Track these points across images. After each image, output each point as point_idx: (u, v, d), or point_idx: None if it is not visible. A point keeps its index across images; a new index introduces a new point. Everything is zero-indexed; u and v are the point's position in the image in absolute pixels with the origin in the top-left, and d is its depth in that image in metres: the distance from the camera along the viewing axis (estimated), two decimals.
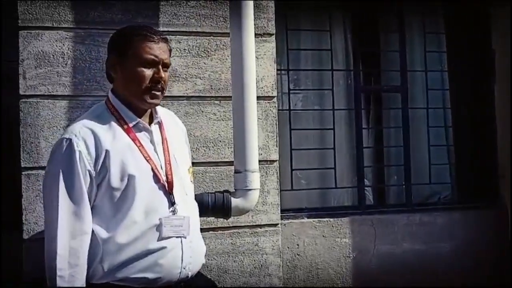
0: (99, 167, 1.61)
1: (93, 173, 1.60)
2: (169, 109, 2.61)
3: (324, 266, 3.25)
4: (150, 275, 1.62)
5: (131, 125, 1.69)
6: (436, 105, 3.70)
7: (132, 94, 1.68)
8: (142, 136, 1.71)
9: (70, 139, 1.60)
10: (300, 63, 3.51)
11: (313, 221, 3.27)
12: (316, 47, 3.53)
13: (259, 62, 2.79)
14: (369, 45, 3.65)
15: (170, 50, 1.74)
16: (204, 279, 1.88)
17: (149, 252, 1.62)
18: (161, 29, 2.66)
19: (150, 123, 1.74)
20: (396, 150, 3.63)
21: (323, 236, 3.28)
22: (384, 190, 3.65)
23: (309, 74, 3.52)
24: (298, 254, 3.22)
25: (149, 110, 1.74)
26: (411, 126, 3.57)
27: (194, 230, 1.74)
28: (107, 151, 1.61)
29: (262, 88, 2.84)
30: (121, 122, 1.69)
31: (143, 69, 1.65)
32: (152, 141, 1.72)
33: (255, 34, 2.61)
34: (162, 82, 1.68)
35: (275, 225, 2.90)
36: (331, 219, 3.30)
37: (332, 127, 3.47)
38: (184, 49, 2.77)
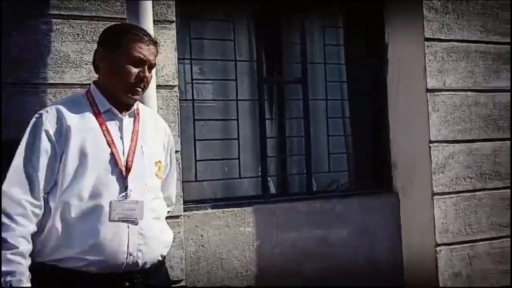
0: (61, 143, 1.68)
1: (57, 148, 1.67)
2: (60, 97, 2.47)
3: (228, 255, 3.26)
4: (91, 257, 1.62)
5: (102, 110, 1.79)
6: (335, 97, 3.85)
7: (116, 88, 1.79)
8: (111, 123, 1.79)
9: (41, 114, 1.73)
10: (203, 53, 3.48)
11: (217, 211, 3.27)
12: (219, 37, 3.51)
13: (159, 49, 2.70)
14: (272, 37, 3.70)
15: (157, 53, 1.89)
16: (162, 276, 1.86)
17: (93, 233, 1.63)
18: (52, 12, 2.51)
19: (121, 112, 1.81)
20: (298, 140, 3.73)
21: (227, 226, 3.29)
22: (286, 179, 3.74)
23: (213, 64, 3.49)
24: (202, 245, 3.19)
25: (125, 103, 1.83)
26: (311, 117, 3.68)
27: (151, 219, 1.76)
28: (68, 127, 1.70)
29: (163, 76, 2.78)
30: (94, 107, 1.79)
31: (131, 66, 1.77)
32: (120, 129, 1.80)
33: (154, 21, 2.53)
34: (145, 81, 1.82)
35: (177, 217, 2.85)
36: (235, 209, 3.32)
37: (236, 118, 3.49)
38: (78, 34, 2.62)
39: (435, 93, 3.48)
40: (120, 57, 1.77)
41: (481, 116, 3.61)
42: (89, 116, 1.76)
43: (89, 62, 2.61)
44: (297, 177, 3.75)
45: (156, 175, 1.85)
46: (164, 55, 2.79)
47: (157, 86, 2.53)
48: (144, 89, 1.83)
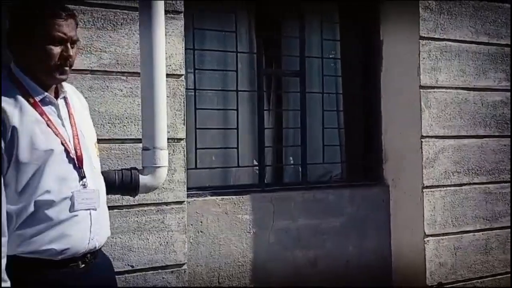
0: (7, 142, 1.58)
1: (3, 148, 1.57)
2: (72, 83, 2.51)
3: (226, 242, 3.35)
4: (57, 246, 1.63)
5: (37, 99, 1.67)
6: (330, 90, 3.96)
7: (39, 70, 1.67)
8: (49, 110, 1.69)
9: None
10: (205, 43, 3.54)
11: (216, 198, 3.35)
12: (221, 29, 3.57)
13: (167, 39, 2.75)
14: (271, 30, 3.78)
15: (77, 25, 1.74)
16: (102, 255, 1.90)
17: (59, 223, 1.64)
18: None
19: (56, 98, 1.73)
20: (294, 132, 3.84)
21: (226, 213, 3.38)
22: (282, 169, 3.84)
23: (215, 54, 3.56)
24: (201, 231, 3.28)
25: (54, 85, 1.74)
26: (307, 109, 3.79)
27: (103, 203, 1.80)
28: (14, 127, 1.59)
29: (170, 66, 2.83)
30: (27, 96, 1.65)
31: (52, 46, 1.64)
32: (59, 116, 1.72)
33: (164, 11, 2.58)
34: (70, 59, 1.69)
35: (181, 202, 2.93)
36: (234, 197, 3.41)
37: (236, 108, 3.57)
38: (89, 21, 2.66)
39: (428, 90, 3.61)
40: (38, 38, 1.63)
41: (470, 113, 3.76)
42: (27, 107, 1.63)
43: (100, 49, 2.68)
44: (293, 167, 3.86)
45: (97, 156, 1.86)
46: (172, 45, 2.85)
47: (166, 75, 2.58)
48: (70, 67, 1.71)
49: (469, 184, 3.74)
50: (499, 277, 3.81)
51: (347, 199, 3.78)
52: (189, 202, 3.16)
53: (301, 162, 3.76)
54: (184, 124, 2.93)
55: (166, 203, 2.86)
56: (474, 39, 3.80)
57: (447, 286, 3.63)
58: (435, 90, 3.63)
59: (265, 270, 3.48)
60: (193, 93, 3.41)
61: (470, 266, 3.72)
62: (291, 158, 3.89)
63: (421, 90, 3.59)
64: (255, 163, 3.66)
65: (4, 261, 1.55)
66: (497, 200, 3.83)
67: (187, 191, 3.11)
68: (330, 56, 3.95)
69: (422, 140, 3.59)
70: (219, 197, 3.36)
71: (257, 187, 3.58)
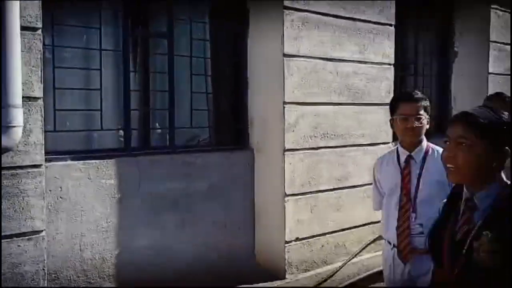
0: None
1: None
2: None
3: (88, 208, 3.23)
4: None
5: None
6: (199, 55, 3.95)
7: None
8: None
9: None
10: None
11: (78, 163, 3.20)
12: None
13: None
14: None
15: None
16: None
17: None
18: None
19: None
20: (161, 95, 3.78)
21: (88, 178, 3.24)
22: (149, 133, 3.78)
23: (77, 9, 3.32)
24: (61, 197, 3.12)
25: None
26: (175, 72, 3.75)
27: None
28: None
29: (25, 17, 2.59)
30: None
31: None
32: None
33: None
34: None
35: (38, 166, 2.75)
36: (97, 161, 3.29)
37: (99, 68, 3.40)
38: None
39: (291, 58, 3.80)
40: None
41: (327, 82, 4.05)
42: None
43: None
44: (160, 131, 3.81)
45: None
46: None
47: (21, 27, 2.36)
48: None
49: (325, 147, 4.05)
50: (347, 231, 4.24)
51: (214, 163, 3.86)
52: (47, 166, 2.97)
53: (169, 126, 3.74)
54: (41, 82, 2.72)
55: (21, 167, 2.65)
56: (333, 12, 4.06)
57: (304, 240, 3.94)
58: (297, 58, 3.82)
59: (131, 235, 3.44)
60: (51, 50, 3.16)
61: (324, 222, 4.08)
62: (157, 123, 3.84)
63: (284, 58, 3.76)
64: (120, 126, 3.54)
65: None
66: (348, 162, 4.22)
67: (45, 155, 2.91)
68: (199, 21, 3.93)
69: (285, 106, 3.78)
70: (81, 162, 3.21)
71: (122, 151, 3.48)
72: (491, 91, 4.68)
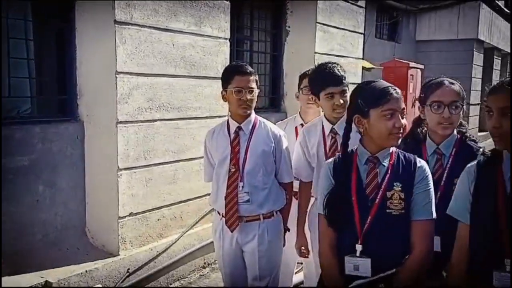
0: None
1: None
2: None
3: None
4: None
5: None
6: (18, 16, 3.54)
7: None
8: None
9: None
10: None
11: None
12: None
13: None
14: None
15: None
16: None
17: None
18: None
19: None
20: None
21: None
22: None
23: None
24: None
25: None
26: None
27: None
28: None
29: None
30: None
31: None
32: None
33: None
34: None
35: None
36: None
37: None
38: None
39: (123, 26, 3.61)
40: None
41: (162, 53, 3.95)
42: None
43: None
44: None
45: None
46: None
47: None
48: None
49: (160, 120, 3.98)
50: (183, 203, 4.26)
51: (37, 136, 3.54)
52: None
53: None
54: None
55: None
56: None
57: (138, 215, 3.85)
58: (130, 26, 3.65)
59: None
60: None
61: (160, 195, 4.04)
62: None
63: (116, 25, 3.56)
64: None
65: None
66: (185, 135, 4.21)
67: None
68: None
69: (117, 76, 3.60)
70: None
71: None
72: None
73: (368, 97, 1.88)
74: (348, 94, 2.50)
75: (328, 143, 2.66)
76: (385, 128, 1.85)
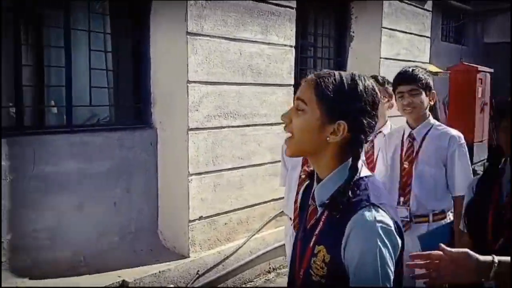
0: None
1: None
2: None
3: None
4: None
5: None
6: (97, 29, 3.78)
7: None
8: None
9: None
10: None
11: None
12: None
13: None
14: None
15: None
16: None
17: None
18: None
19: None
20: (57, 71, 3.57)
21: None
22: (44, 111, 3.57)
23: None
24: None
25: None
26: (73, 47, 3.56)
27: None
28: None
29: None
30: None
31: None
32: None
33: None
34: None
35: None
36: None
37: None
38: None
39: (194, 37, 3.76)
40: None
41: (230, 62, 4.08)
42: None
43: None
44: (56, 109, 3.61)
45: None
46: None
47: None
48: None
49: (228, 127, 4.10)
50: (250, 208, 4.35)
51: (115, 143, 3.75)
52: None
53: (66, 104, 3.55)
54: None
55: None
56: None
57: (207, 219, 3.98)
58: (201, 37, 3.80)
59: (25, 217, 3.26)
60: None
61: (227, 200, 4.15)
62: (53, 100, 3.63)
63: (188, 36, 3.71)
64: (11, 104, 3.31)
65: None
66: (251, 141, 4.31)
67: None
68: None
69: (188, 85, 3.75)
70: None
71: (15, 130, 3.26)
72: (382, 74, 5.04)
73: None
74: (436, 99, 2.52)
75: (405, 148, 2.64)
76: None
